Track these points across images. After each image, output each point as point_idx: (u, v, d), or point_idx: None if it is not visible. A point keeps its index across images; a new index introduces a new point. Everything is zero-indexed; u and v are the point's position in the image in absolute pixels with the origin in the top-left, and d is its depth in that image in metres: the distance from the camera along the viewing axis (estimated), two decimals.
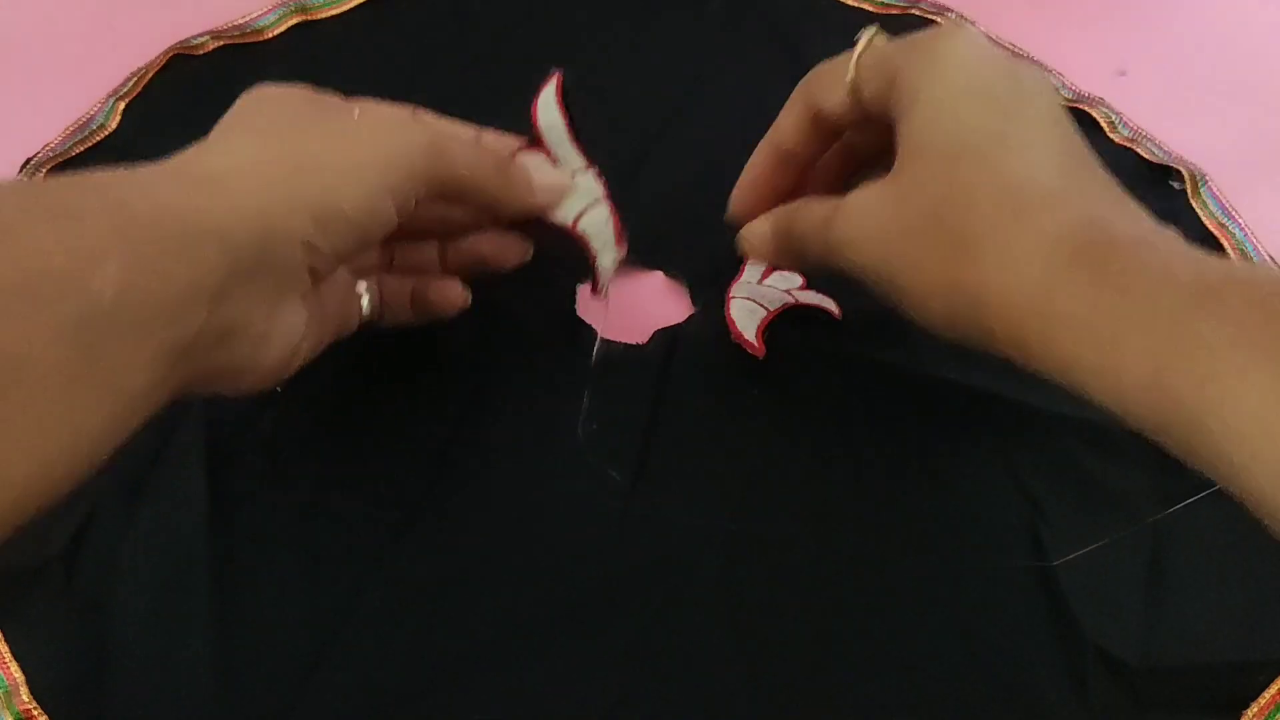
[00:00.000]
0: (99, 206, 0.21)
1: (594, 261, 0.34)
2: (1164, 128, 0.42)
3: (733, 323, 0.34)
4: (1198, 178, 0.40)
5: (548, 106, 0.34)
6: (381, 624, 0.30)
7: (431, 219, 0.32)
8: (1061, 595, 0.31)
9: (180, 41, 0.41)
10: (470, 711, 0.28)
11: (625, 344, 0.35)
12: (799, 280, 0.36)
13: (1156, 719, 0.30)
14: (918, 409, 0.34)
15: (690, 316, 0.36)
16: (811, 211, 0.29)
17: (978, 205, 0.25)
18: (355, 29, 0.43)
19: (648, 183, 0.39)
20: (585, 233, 0.34)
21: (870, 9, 0.46)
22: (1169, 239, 0.23)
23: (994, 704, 0.29)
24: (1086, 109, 0.43)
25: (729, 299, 0.35)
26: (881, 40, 0.28)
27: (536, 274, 0.35)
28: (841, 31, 0.44)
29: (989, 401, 0.34)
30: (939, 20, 0.46)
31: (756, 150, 0.33)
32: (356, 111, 0.31)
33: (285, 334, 0.26)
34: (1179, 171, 0.40)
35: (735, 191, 0.33)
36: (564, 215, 0.34)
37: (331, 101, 0.30)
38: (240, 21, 0.42)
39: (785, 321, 0.35)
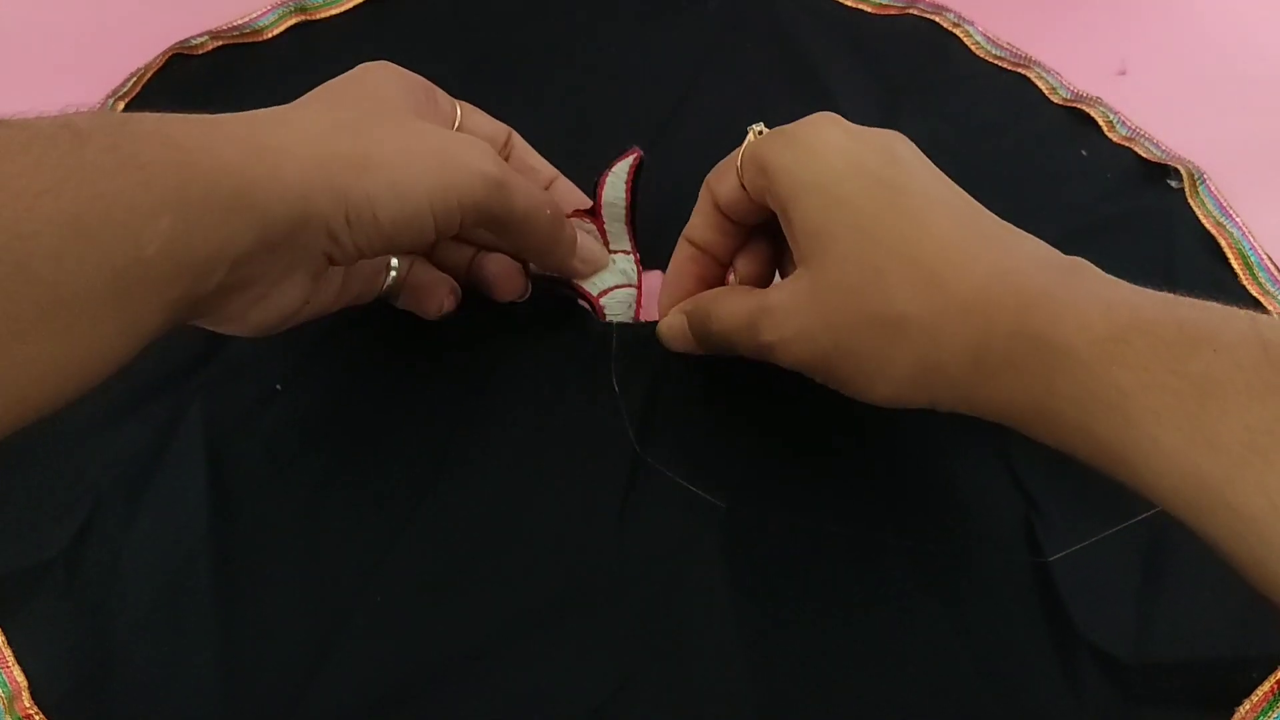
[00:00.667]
0: (167, 162, 0.22)
1: (600, 314, 0.35)
2: (1163, 127, 0.42)
3: None
4: (1196, 176, 0.40)
5: (616, 183, 0.35)
6: (384, 620, 0.30)
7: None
8: (1056, 591, 0.31)
9: (179, 42, 0.41)
10: (474, 702, 0.29)
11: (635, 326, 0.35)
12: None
13: (1150, 715, 0.30)
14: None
15: None
16: (732, 309, 0.30)
17: (892, 287, 0.25)
18: (354, 29, 0.43)
19: (647, 181, 0.39)
20: (606, 306, 0.35)
21: (868, 10, 0.46)
22: (1075, 280, 0.24)
23: (987, 698, 0.30)
24: (1085, 108, 0.43)
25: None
26: (765, 135, 0.30)
27: (536, 273, 0.36)
28: (840, 31, 0.45)
29: None
30: (937, 20, 0.46)
31: (676, 247, 0.33)
32: (457, 113, 0.33)
33: (282, 301, 0.27)
34: (1177, 170, 0.40)
35: (661, 289, 0.34)
36: (593, 285, 0.35)
37: (432, 98, 0.31)
38: (239, 22, 0.42)
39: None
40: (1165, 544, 0.32)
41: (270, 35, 0.42)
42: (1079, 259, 0.25)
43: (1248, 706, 0.30)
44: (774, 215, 0.29)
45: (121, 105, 0.40)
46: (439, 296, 0.33)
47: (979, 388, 0.25)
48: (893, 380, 0.26)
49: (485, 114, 0.34)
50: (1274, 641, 0.30)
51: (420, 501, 0.32)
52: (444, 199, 0.27)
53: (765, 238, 0.33)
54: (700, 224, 0.32)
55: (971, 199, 0.27)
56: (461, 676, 0.29)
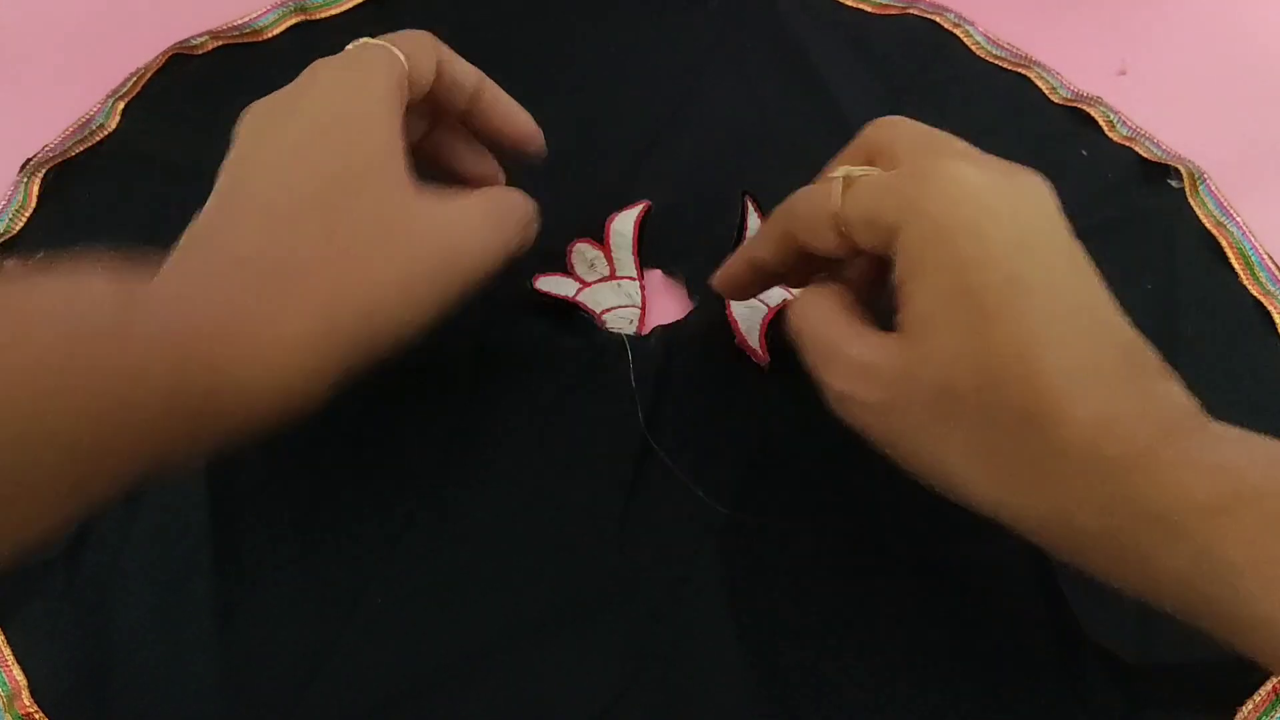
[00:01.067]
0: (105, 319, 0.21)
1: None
2: (1163, 127, 0.42)
3: (736, 325, 0.35)
4: (1196, 176, 0.40)
5: (626, 218, 0.37)
6: (384, 623, 0.30)
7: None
8: (1059, 593, 0.31)
9: (179, 42, 0.41)
10: (473, 708, 0.29)
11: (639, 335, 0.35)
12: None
13: (1152, 717, 0.30)
14: None
15: (689, 313, 0.36)
16: (821, 320, 0.27)
17: (998, 414, 0.23)
18: (355, 29, 0.43)
19: (647, 181, 0.39)
20: (607, 322, 0.35)
21: (868, 10, 0.46)
22: (1179, 439, 0.22)
23: (990, 700, 0.30)
24: (1085, 108, 0.43)
25: (727, 300, 0.35)
26: (865, 183, 0.26)
27: (536, 272, 0.36)
28: (840, 31, 0.45)
29: None
30: (937, 20, 0.46)
31: (736, 255, 0.32)
32: (479, 81, 0.30)
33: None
34: (1177, 170, 0.40)
35: (716, 281, 0.33)
36: (596, 303, 0.35)
37: (424, 76, 0.28)
38: (239, 22, 0.42)
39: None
40: None
41: (270, 35, 0.42)
42: (1189, 403, 0.23)
43: (1249, 707, 0.30)
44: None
45: (121, 105, 0.40)
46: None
47: (1070, 543, 0.24)
48: (965, 497, 0.25)
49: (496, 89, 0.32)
50: None
51: (421, 504, 0.32)
52: (464, 284, 0.26)
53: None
54: (769, 252, 0.29)
55: (1099, 296, 0.24)
56: (461, 682, 0.29)
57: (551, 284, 0.36)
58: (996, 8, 0.45)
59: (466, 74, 0.30)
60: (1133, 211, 0.39)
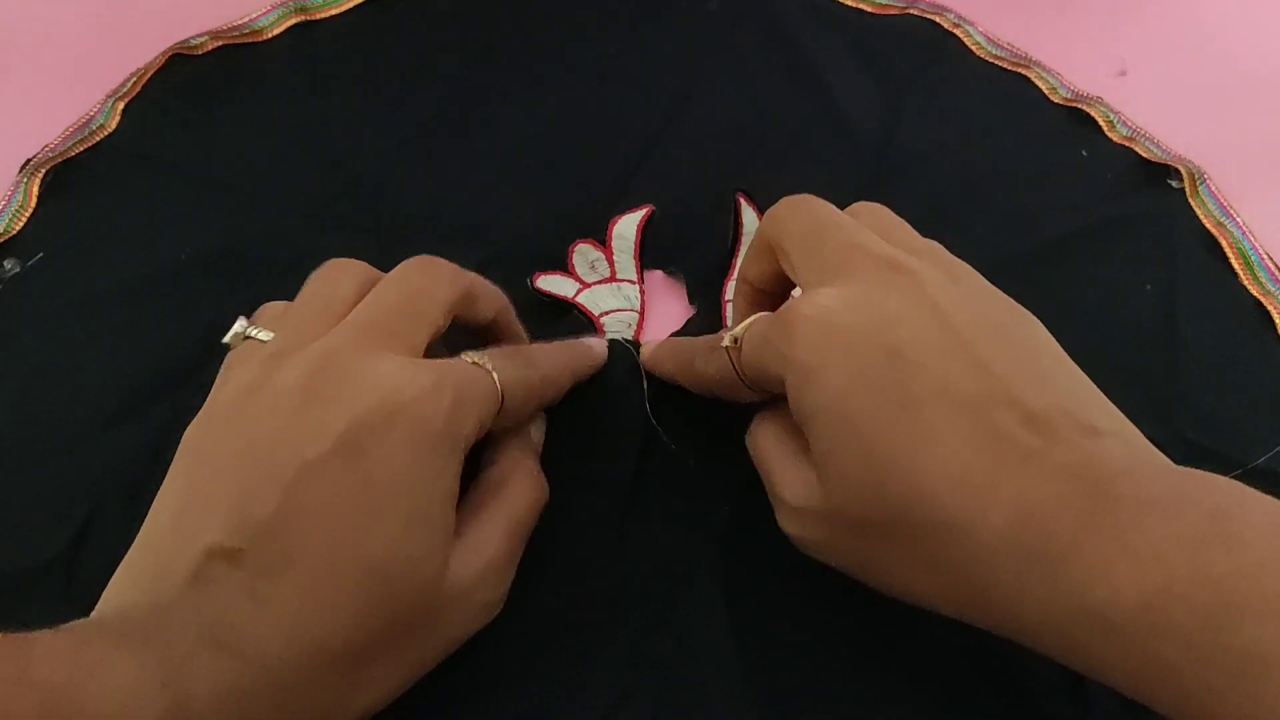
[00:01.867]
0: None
1: (601, 333, 0.35)
2: (1163, 127, 0.42)
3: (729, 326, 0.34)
4: (1196, 176, 0.40)
5: (629, 222, 0.37)
6: None
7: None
8: None
9: (179, 42, 0.41)
10: (470, 715, 0.28)
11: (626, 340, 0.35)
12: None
13: None
14: None
15: (690, 318, 0.36)
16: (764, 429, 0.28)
17: (911, 530, 0.23)
18: (354, 29, 0.43)
19: (647, 182, 0.39)
20: (605, 324, 0.35)
21: (868, 10, 0.46)
22: (1102, 519, 0.21)
23: (991, 703, 0.29)
24: (1085, 108, 0.43)
25: (724, 301, 0.35)
26: (748, 339, 0.27)
27: (536, 271, 0.36)
28: (840, 31, 0.45)
29: None
30: (937, 20, 0.46)
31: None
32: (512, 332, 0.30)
33: None
34: (1178, 170, 0.40)
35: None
36: (595, 305, 0.35)
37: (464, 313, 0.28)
38: (239, 22, 0.42)
39: None
40: None
41: (270, 35, 0.42)
42: (1117, 459, 0.23)
43: None
44: None
45: (121, 105, 0.40)
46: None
47: (1021, 635, 0.23)
48: (908, 599, 0.25)
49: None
50: None
51: None
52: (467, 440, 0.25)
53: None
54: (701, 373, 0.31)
55: (994, 372, 0.23)
56: (459, 688, 0.29)
57: (551, 283, 0.36)
58: (996, 7, 0.45)
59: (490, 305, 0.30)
60: (1133, 212, 0.39)
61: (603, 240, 0.37)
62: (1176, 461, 0.32)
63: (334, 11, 0.43)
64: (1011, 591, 0.22)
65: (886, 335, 0.24)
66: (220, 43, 0.42)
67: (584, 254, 0.37)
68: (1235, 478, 0.32)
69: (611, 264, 0.36)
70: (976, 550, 0.22)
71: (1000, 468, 0.22)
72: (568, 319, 0.35)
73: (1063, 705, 0.29)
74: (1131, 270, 0.38)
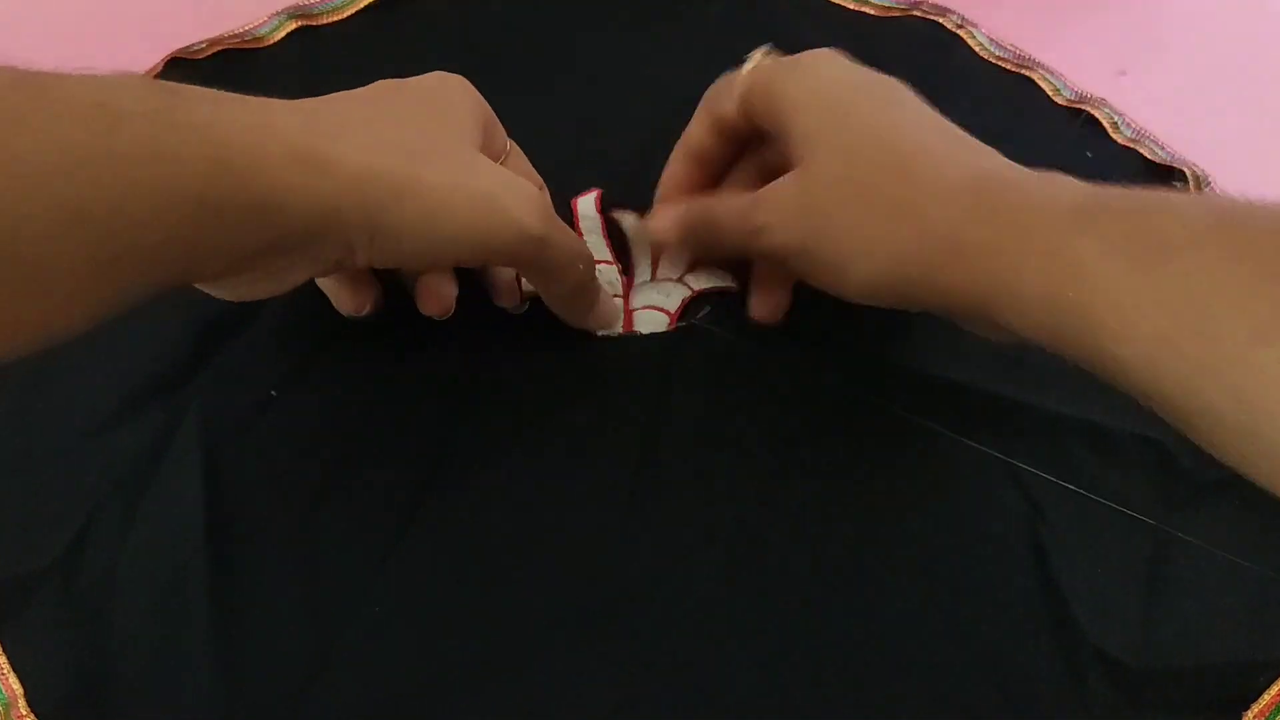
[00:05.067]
0: (201, 158, 0.21)
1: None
2: (1164, 128, 0.42)
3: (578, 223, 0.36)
4: (1201, 179, 0.40)
5: (587, 205, 0.37)
6: (381, 632, 0.29)
7: None
8: (1061, 595, 0.31)
9: (181, 48, 0.42)
10: (469, 715, 0.29)
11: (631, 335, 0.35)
12: (682, 268, 0.37)
13: None
14: (920, 409, 0.34)
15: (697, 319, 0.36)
16: (731, 203, 0.32)
17: (882, 178, 0.27)
18: (358, 36, 0.43)
19: (648, 184, 0.39)
20: None
21: (870, 12, 0.46)
22: (1047, 179, 0.26)
23: (992, 703, 0.29)
24: (1089, 109, 0.42)
25: (629, 311, 0.36)
26: (769, 60, 0.32)
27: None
28: (841, 35, 0.44)
29: (990, 402, 0.34)
30: (940, 22, 0.46)
31: (672, 154, 0.35)
32: (508, 149, 0.33)
33: (271, 286, 0.27)
34: (1182, 173, 0.40)
35: (658, 190, 0.35)
36: None
37: (493, 132, 0.31)
38: (240, 30, 0.42)
39: (786, 318, 0.35)
40: (1171, 548, 0.32)
41: (271, 42, 0.42)
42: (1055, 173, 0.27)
43: (1255, 710, 0.30)
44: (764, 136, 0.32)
45: None
46: (360, 298, 0.32)
47: (952, 272, 0.26)
48: (866, 268, 0.28)
49: (524, 157, 0.35)
50: None
51: (416, 511, 0.31)
52: (476, 244, 0.27)
53: (758, 158, 0.34)
54: (697, 134, 0.34)
55: (956, 127, 0.29)
56: (458, 692, 0.29)
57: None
58: (1000, 10, 0.45)
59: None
60: None
61: (569, 221, 0.37)
62: (1156, 464, 0.34)
63: (336, 18, 0.43)
64: (950, 227, 0.26)
65: (881, 75, 0.31)
66: (219, 48, 0.42)
67: None
68: (1221, 485, 0.33)
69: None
70: (931, 188, 0.27)
71: (964, 149, 0.28)
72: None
73: (1061, 701, 0.29)
74: None
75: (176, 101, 0.22)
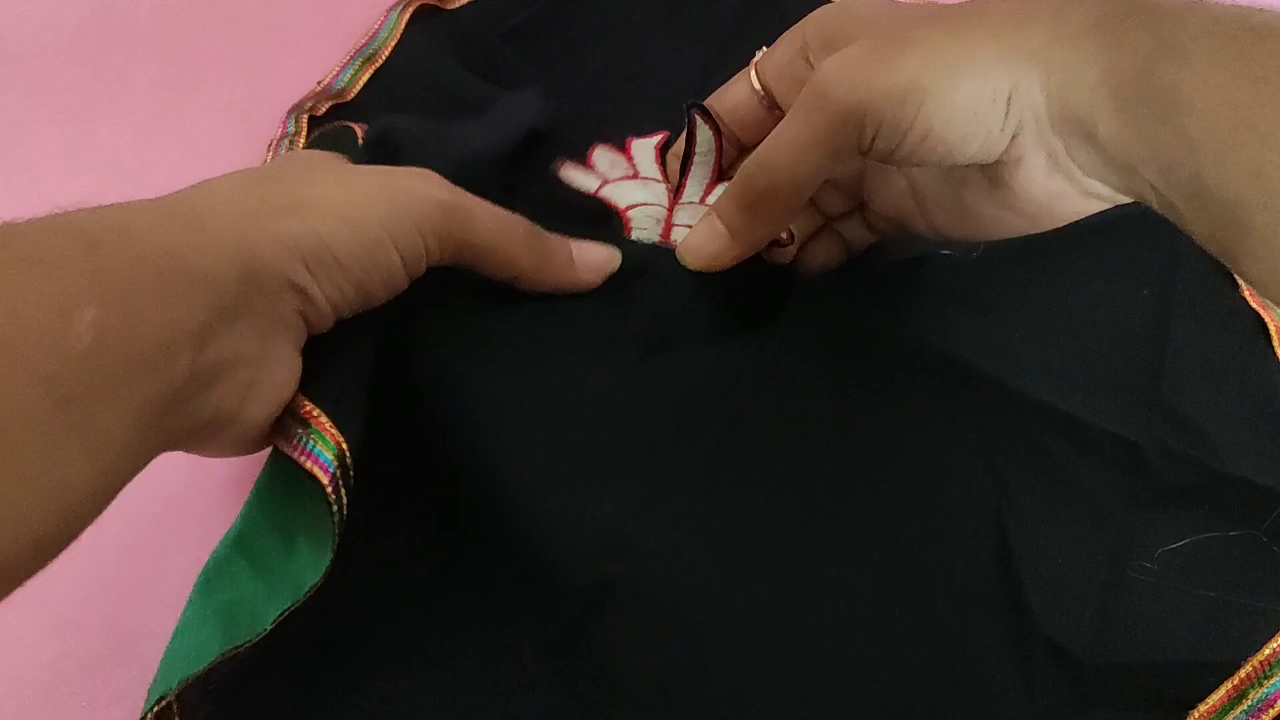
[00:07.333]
0: (74, 251, 0.19)
1: (627, 228, 0.34)
2: None
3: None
4: None
5: (645, 146, 0.37)
6: (381, 634, 0.30)
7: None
8: (1018, 579, 0.31)
9: (295, 104, 0.43)
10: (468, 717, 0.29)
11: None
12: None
13: (1101, 716, 0.29)
14: (899, 372, 0.33)
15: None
16: (779, 130, 0.29)
17: (950, 10, 0.27)
18: (409, 58, 0.45)
19: None
20: (632, 219, 0.34)
21: None
22: None
23: (938, 686, 0.29)
24: None
25: (670, 224, 0.35)
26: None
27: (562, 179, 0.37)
28: None
29: (973, 380, 0.33)
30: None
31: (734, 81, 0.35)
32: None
33: (276, 383, 0.24)
34: None
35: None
36: (620, 199, 0.35)
37: (356, 166, 0.29)
38: (320, 88, 0.44)
39: (764, 285, 0.35)
40: (1132, 544, 0.32)
41: (353, 95, 0.44)
42: None
43: (1202, 710, 0.29)
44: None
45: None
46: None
47: (1057, 57, 0.25)
48: (947, 85, 0.26)
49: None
50: (1233, 647, 0.30)
51: (415, 512, 0.31)
52: (400, 225, 0.25)
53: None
54: (781, 59, 0.32)
55: None
56: (457, 689, 0.29)
57: (574, 175, 0.35)
58: None
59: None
60: (1133, 213, 0.38)
61: (621, 147, 0.37)
62: (1128, 464, 0.33)
63: (391, 48, 0.45)
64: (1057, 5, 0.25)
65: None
66: (330, 103, 0.43)
67: (604, 155, 0.36)
68: (1190, 490, 0.32)
69: (632, 164, 0.36)
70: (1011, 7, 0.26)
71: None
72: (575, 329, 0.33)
73: (1008, 688, 0.30)
74: (1131, 273, 0.37)
75: (36, 219, 0.20)
